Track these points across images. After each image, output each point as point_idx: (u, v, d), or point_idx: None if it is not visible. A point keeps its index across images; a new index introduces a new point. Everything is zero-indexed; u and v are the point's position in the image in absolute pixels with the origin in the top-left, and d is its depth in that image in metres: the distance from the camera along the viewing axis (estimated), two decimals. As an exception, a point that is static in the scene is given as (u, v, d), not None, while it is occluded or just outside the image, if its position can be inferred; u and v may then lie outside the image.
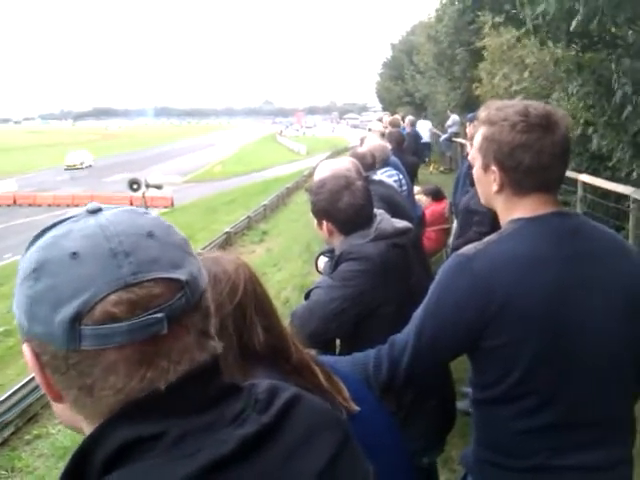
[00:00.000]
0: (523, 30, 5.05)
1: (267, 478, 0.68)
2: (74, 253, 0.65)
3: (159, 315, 0.65)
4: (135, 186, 12.76)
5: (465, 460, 1.73)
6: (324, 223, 2.29)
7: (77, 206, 28.76)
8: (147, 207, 13.47)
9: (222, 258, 1.22)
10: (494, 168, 1.55)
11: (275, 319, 1.19)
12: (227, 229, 16.01)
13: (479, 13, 8.06)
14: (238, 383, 0.74)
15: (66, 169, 44.92)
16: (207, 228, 18.36)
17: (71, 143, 75.40)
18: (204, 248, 13.87)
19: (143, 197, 13.08)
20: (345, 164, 3.11)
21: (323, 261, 2.60)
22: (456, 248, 3.48)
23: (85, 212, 0.70)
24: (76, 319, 0.64)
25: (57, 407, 0.73)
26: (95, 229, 0.67)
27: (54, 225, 0.70)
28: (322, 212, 2.28)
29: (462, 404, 2.82)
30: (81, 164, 47.25)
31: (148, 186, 13.11)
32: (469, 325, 1.50)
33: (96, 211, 0.70)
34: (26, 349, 0.69)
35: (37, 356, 0.68)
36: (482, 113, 1.60)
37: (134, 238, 0.67)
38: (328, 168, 2.91)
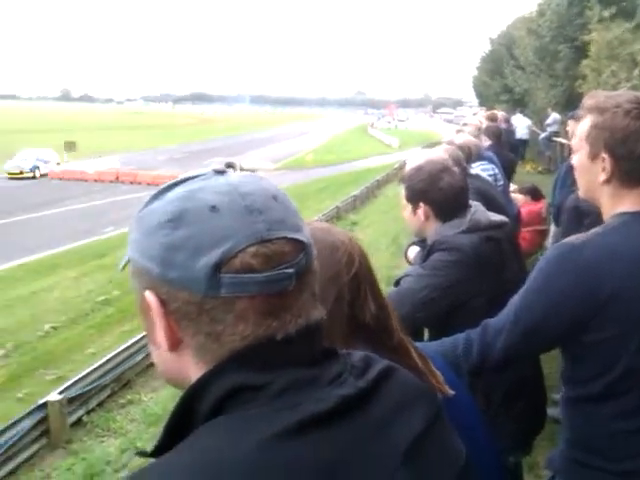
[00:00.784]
0: (633, 24, 4.79)
1: (360, 443, 0.70)
2: (213, 206, 0.69)
3: (290, 270, 0.70)
4: (231, 170, 13.13)
5: (552, 462, 1.70)
6: (421, 207, 2.25)
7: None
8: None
9: (334, 229, 1.23)
10: (604, 156, 1.51)
11: (381, 295, 1.21)
12: (316, 218, 16.19)
13: (587, 4, 7.70)
14: (336, 348, 0.77)
15: (10, 178, 31.44)
16: (296, 216, 18.57)
17: (170, 125, 78.26)
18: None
19: (236, 181, 13.44)
20: (440, 153, 3.09)
21: (414, 251, 2.60)
22: None
23: (212, 172, 0.75)
24: (218, 266, 0.68)
25: (164, 356, 0.75)
26: (228, 187, 0.71)
27: (181, 182, 0.74)
28: (420, 194, 2.25)
29: (552, 411, 2.75)
30: (33, 171, 32.27)
31: (242, 170, 13.44)
32: (574, 315, 1.48)
33: (222, 172, 0.75)
34: (150, 296, 0.71)
35: (163, 303, 0.71)
36: (589, 101, 1.57)
37: (263, 199, 0.71)
38: (424, 155, 2.91)
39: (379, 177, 24.64)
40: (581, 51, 12.60)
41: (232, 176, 0.74)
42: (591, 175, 1.56)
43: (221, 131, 71.95)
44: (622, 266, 1.44)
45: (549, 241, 7.75)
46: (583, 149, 1.57)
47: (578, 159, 1.61)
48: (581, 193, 1.68)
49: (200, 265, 0.68)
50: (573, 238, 1.53)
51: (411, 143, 47.25)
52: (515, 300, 1.60)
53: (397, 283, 2.28)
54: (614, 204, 1.55)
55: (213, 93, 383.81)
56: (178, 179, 0.75)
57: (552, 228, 7.18)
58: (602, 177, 1.53)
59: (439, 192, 2.22)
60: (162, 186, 0.75)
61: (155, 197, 0.74)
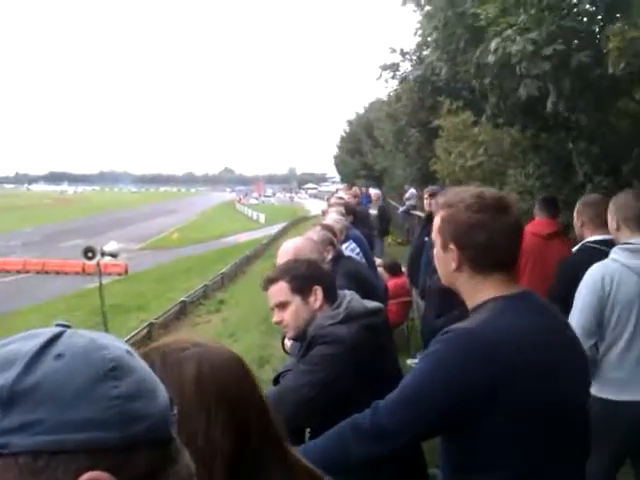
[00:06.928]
0: (484, 117, 5.22)
1: None
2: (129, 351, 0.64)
3: None
4: (90, 254, 12.44)
5: None
6: (316, 292, 2.20)
7: (28, 272, 26.85)
8: (101, 274, 13.13)
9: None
10: (452, 246, 1.66)
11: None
12: (182, 298, 15.74)
13: (437, 97, 8.34)
14: None
15: None
16: (162, 297, 18.04)
17: (26, 207, 74.13)
18: (157, 318, 13.58)
19: (97, 265, 12.75)
20: (307, 244, 3.07)
21: (290, 340, 2.50)
22: (439, 328, 3.47)
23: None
24: (172, 402, 0.65)
25: None
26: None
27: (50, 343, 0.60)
28: (312, 278, 2.21)
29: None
30: None
31: (104, 254, 12.83)
32: (474, 398, 1.51)
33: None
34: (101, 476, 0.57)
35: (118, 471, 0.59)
36: (440, 198, 1.77)
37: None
38: (294, 245, 2.91)
39: (247, 253, 24.63)
40: (432, 132, 13.61)
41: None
42: (445, 264, 1.71)
43: (81, 211, 69.02)
44: (519, 348, 1.54)
45: (414, 313, 8.04)
46: (438, 241, 1.72)
47: (435, 250, 1.76)
48: (442, 280, 1.80)
49: (160, 405, 0.61)
50: (467, 323, 1.61)
51: (278, 218, 48.25)
52: (410, 383, 1.63)
53: (276, 380, 2.17)
54: (475, 291, 1.67)
55: (74, 172, 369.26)
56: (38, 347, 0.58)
57: (416, 300, 7.47)
58: (453, 265, 1.67)
59: (327, 276, 2.19)
60: (24, 360, 0.57)
61: (29, 366, 0.57)
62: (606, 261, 2.95)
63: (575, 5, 3.84)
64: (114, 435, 0.56)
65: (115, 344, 0.62)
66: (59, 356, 0.58)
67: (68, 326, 0.63)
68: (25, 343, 0.59)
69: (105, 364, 0.58)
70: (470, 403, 1.51)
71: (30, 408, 0.55)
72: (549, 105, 3.91)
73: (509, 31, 3.61)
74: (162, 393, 0.63)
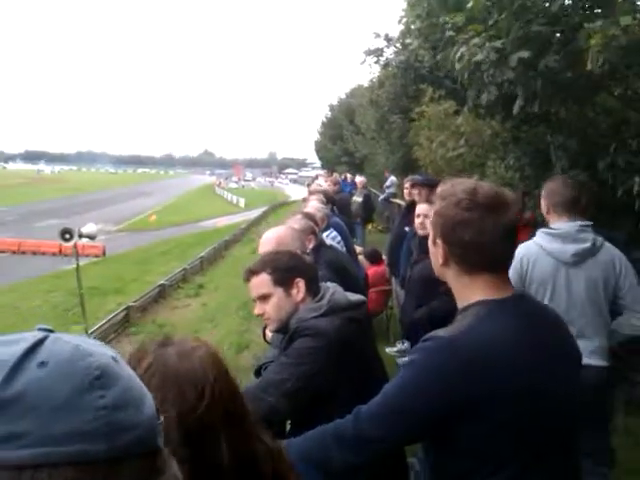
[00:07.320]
0: (465, 108, 5.25)
1: None
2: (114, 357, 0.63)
3: None
4: (67, 236, 12.23)
5: None
6: (298, 284, 2.19)
7: (3, 252, 26.53)
8: (78, 256, 12.97)
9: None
10: (439, 241, 1.61)
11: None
12: (161, 281, 15.63)
13: (420, 86, 8.33)
14: None
15: None
16: (139, 279, 17.88)
17: (1, 186, 72.65)
18: (136, 301, 13.50)
19: (74, 246, 12.59)
20: (289, 233, 3.07)
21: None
22: (419, 318, 3.54)
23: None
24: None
25: None
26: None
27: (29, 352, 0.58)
28: (294, 270, 2.19)
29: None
30: None
31: (81, 236, 12.66)
32: (454, 406, 1.48)
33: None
34: None
35: None
36: (439, 188, 1.66)
37: None
38: (274, 235, 2.91)
39: (227, 237, 24.50)
40: (413, 121, 13.58)
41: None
42: (434, 258, 1.66)
43: (58, 191, 67.84)
44: (502, 357, 1.49)
45: (393, 302, 8.10)
46: (430, 233, 1.67)
47: (429, 241, 1.70)
48: (435, 272, 1.74)
49: (147, 414, 0.59)
50: (450, 330, 1.55)
51: (258, 202, 48.00)
52: (391, 391, 1.58)
53: (258, 372, 2.17)
54: (463, 290, 1.62)
55: (52, 151, 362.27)
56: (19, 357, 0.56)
57: (396, 288, 7.52)
58: (440, 260, 1.62)
59: (310, 268, 2.19)
60: (5, 368, 0.55)
61: (12, 375, 0.55)
62: (529, 243, 3.22)
63: (548, 3, 3.86)
64: (101, 447, 0.55)
65: (100, 350, 0.60)
66: (43, 364, 0.56)
67: (51, 330, 0.61)
68: (6, 349, 0.57)
69: (90, 372, 0.57)
70: (451, 414, 1.48)
71: (13, 420, 0.53)
72: (516, 108, 3.98)
73: (476, 39, 3.67)
74: (149, 401, 0.61)
